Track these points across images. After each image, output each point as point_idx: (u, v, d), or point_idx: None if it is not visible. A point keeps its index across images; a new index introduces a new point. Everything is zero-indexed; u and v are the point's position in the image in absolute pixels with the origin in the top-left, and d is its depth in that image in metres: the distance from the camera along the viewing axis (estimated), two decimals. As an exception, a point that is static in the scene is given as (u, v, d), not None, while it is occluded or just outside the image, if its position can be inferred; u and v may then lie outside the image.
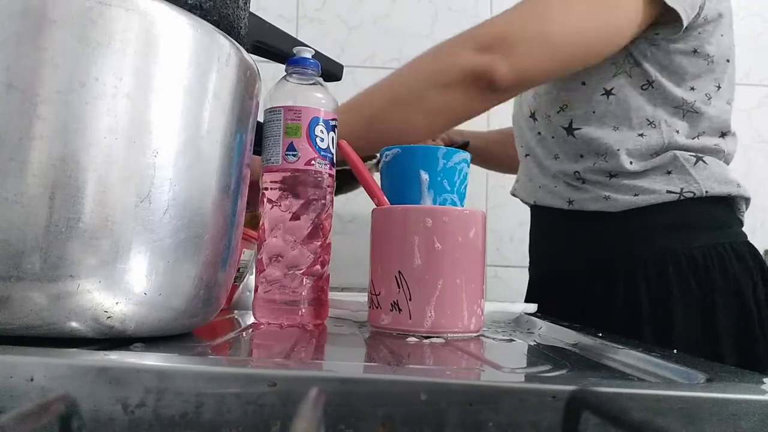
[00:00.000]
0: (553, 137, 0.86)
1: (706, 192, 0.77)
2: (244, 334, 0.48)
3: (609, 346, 0.45)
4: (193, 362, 0.29)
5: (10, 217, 0.32)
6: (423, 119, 0.74)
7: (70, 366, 0.27)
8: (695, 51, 0.78)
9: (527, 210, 1.00)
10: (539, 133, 0.89)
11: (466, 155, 0.58)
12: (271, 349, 0.43)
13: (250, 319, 0.55)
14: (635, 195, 0.78)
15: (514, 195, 0.97)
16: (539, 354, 0.45)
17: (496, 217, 1.29)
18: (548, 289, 0.90)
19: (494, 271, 1.31)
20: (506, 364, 0.37)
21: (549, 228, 0.90)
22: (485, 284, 0.52)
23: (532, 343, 0.50)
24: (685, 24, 0.75)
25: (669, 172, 0.78)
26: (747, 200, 0.82)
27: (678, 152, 0.78)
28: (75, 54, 0.33)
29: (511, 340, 0.51)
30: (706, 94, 0.80)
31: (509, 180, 1.08)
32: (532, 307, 0.68)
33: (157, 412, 0.27)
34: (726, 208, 0.80)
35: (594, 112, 0.82)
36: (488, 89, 0.72)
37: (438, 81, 0.72)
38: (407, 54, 1.34)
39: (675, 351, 0.43)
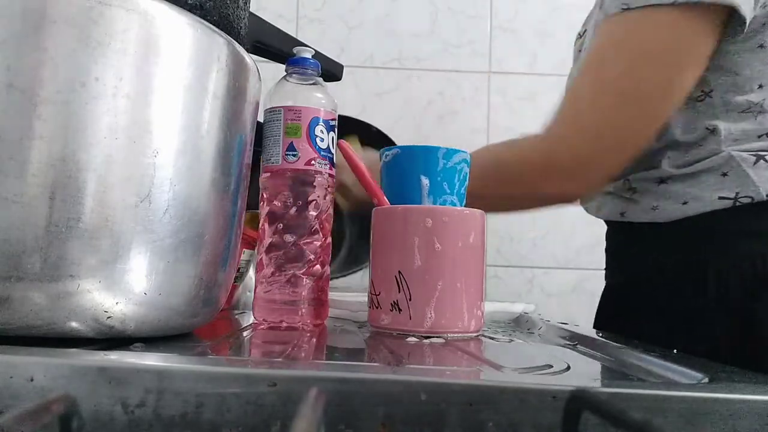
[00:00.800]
0: None
1: (766, 196, 0.68)
2: (244, 334, 0.48)
3: (609, 346, 0.45)
4: (193, 362, 0.29)
5: (10, 217, 0.32)
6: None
7: (70, 366, 0.27)
8: (761, 46, 0.69)
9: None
10: None
11: (466, 155, 0.58)
12: (271, 349, 0.43)
13: (250, 319, 0.55)
14: (684, 203, 0.71)
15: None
16: (539, 354, 0.45)
17: (496, 217, 1.29)
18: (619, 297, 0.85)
19: (494, 271, 1.31)
20: (506, 364, 0.37)
21: (609, 239, 0.87)
22: (485, 284, 0.52)
23: (532, 343, 0.50)
24: (748, 21, 0.66)
25: (725, 174, 0.69)
26: None
27: (734, 151, 0.69)
28: (75, 54, 0.33)
29: (511, 340, 0.51)
30: None
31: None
32: (532, 307, 0.68)
33: (157, 412, 0.27)
34: None
35: None
36: (567, 203, 0.75)
37: (525, 205, 0.76)
38: (407, 54, 1.35)
39: (675, 351, 0.43)
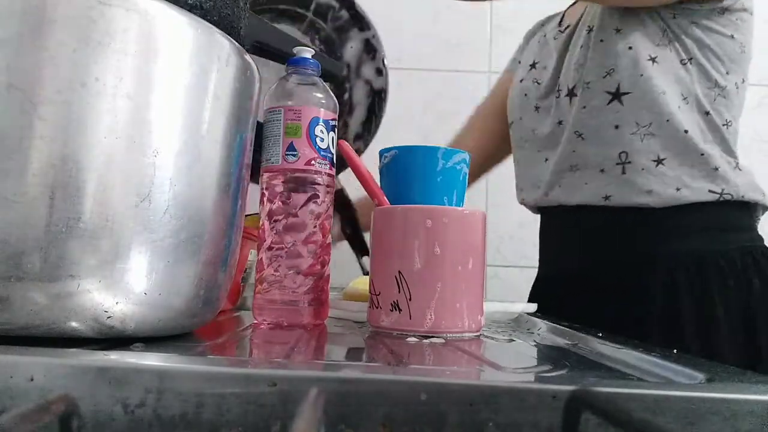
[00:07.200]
0: (595, 107, 0.82)
1: (742, 197, 0.78)
2: (244, 334, 0.48)
3: (609, 346, 0.45)
4: (193, 362, 0.29)
5: (10, 217, 0.32)
6: None
7: (70, 366, 0.27)
8: (732, 36, 0.78)
9: (527, 210, 1.00)
10: (582, 108, 0.83)
11: (466, 155, 0.58)
12: (271, 349, 0.43)
13: (250, 319, 0.55)
14: (677, 189, 0.78)
15: (522, 203, 0.95)
16: (539, 354, 0.45)
17: (496, 217, 1.29)
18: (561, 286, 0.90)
19: (494, 271, 1.31)
20: (506, 364, 0.37)
21: (586, 227, 0.86)
22: (485, 284, 0.52)
23: (532, 343, 0.50)
24: None
25: (716, 169, 0.78)
26: (765, 208, 0.82)
27: (722, 155, 0.79)
28: (75, 54, 0.33)
29: (511, 340, 0.51)
30: (735, 84, 0.80)
31: (509, 180, 1.08)
32: (532, 307, 0.68)
33: (157, 412, 0.27)
34: (748, 214, 0.81)
35: (642, 75, 0.79)
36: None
37: None
38: (407, 54, 1.35)
39: (675, 351, 0.43)
